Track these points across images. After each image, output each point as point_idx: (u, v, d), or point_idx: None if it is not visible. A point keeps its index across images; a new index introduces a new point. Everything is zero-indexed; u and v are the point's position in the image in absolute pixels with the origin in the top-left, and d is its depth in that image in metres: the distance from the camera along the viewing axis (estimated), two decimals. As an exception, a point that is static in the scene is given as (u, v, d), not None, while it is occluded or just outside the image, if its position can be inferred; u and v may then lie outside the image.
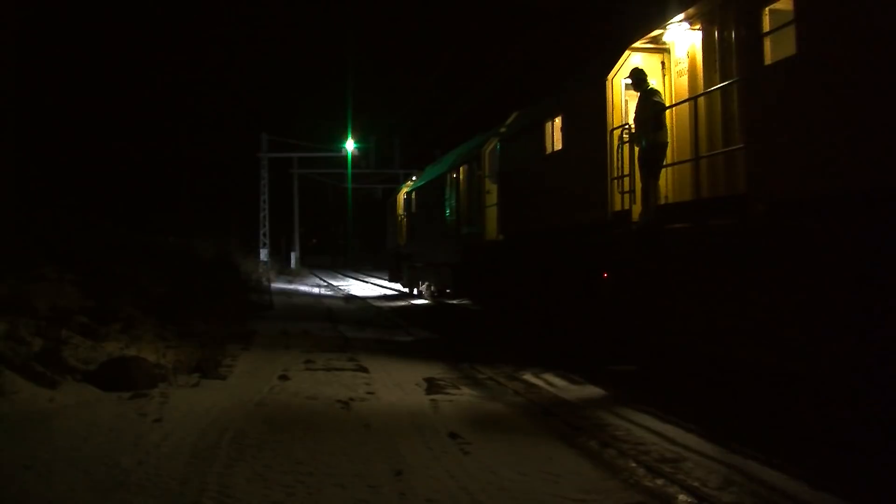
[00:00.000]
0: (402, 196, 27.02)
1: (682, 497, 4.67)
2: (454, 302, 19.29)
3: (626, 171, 8.91)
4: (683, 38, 8.84)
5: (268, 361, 9.77)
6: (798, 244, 6.05)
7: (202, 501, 4.34)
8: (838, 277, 5.54)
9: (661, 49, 9.36)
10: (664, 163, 8.66)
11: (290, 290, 28.03)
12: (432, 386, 8.25)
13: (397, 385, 8.30)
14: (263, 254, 40.18)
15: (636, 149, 8.83)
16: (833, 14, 5.83)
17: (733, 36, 7.65)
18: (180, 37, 28.45)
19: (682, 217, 7.99)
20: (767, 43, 6.62)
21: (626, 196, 8.90)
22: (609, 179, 9.27)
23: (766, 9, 6.64)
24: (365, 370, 9.17)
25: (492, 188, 15.30)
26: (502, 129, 14.75)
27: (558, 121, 11.05)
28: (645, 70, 9.11)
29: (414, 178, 26.67)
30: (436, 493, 4.61)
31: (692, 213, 7.86)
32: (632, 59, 9.39)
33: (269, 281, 28.55)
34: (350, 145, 40.54)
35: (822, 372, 5.77)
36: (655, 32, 9.00)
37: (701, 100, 8.12)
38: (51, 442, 5.37)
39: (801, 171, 6.09)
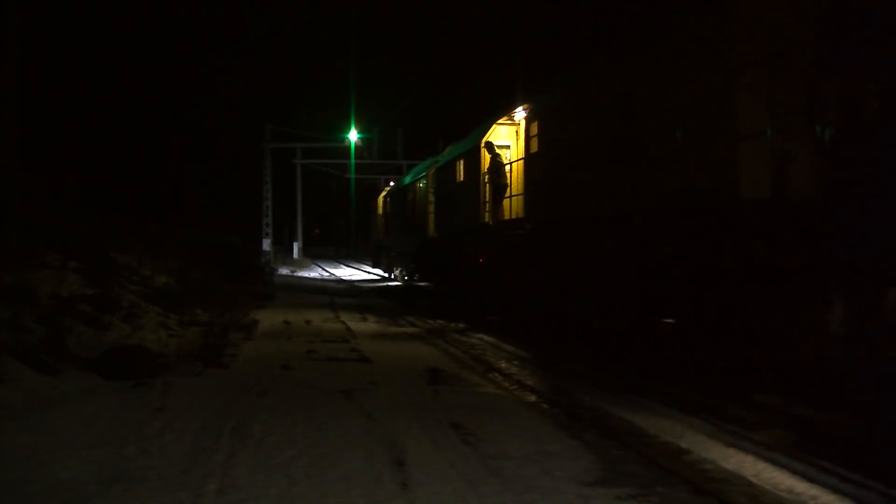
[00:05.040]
0: (381, 198, 34.37)
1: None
2: (422, 284, 24.06)
3: (488, 199, 14.88)
4: (525, 119, 13.72)
5: (270, 351, 9.77)
6: (543, 243, 11.86)
7: (205, 490, 4.33)
8: (567, 257, 10.87)
9: (515, 123, 14.71)
10: (505, 195, 14.18)
11: (292, 278, 30.22)
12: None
13: (400, 372, 8.35)
14: (266, 244, 40.24)
15: (490, 187, 14.57)
16: (547, 134, 11.95)
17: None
18: (184, 28, 28.35)
19: (508, 228, 13.87)
20: (533, 141, 12.58)
21: (488, 213, 14.86)
22: (481, 203, 15.28)
23: (534, 123, 12.50)
24: (367, 360, 9.19)
25: (432, 199, 20.89)
26: (439, 159, 20.57)
27: (462, 162, 17.11)
28: (504, 136, 15.08)
29: (392, 183, 34.43)
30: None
31: (510, 226, 13.77)
32: (500, 129, 15.11)
33: (272, 272, 29.06)
34: (353, 136, 40.48)
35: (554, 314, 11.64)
36: (509, 114, 14.67)
37: (515, 164, 14.08)
38: (53, 430, 5.37)
39: (543, 209, 12.05)
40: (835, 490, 4.53)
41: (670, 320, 8.15)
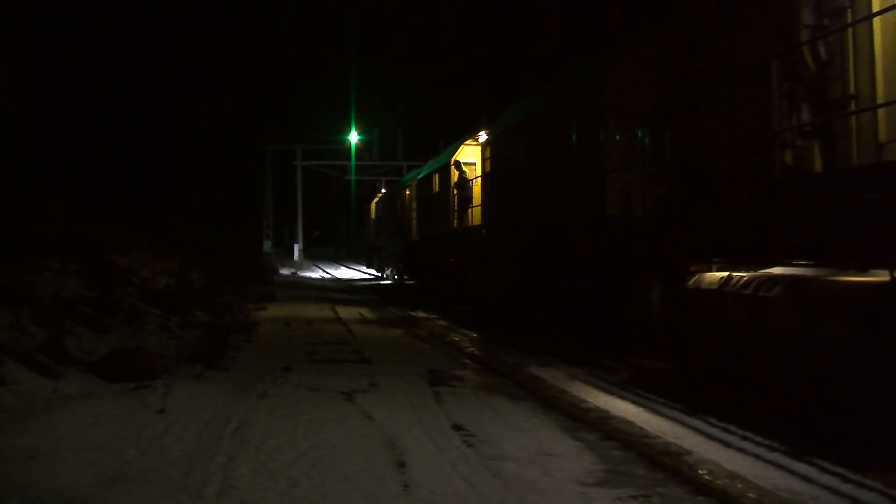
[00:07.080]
0: (374, 203, 37.54)
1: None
2: (411, 282, 26.00)
3: (456, 208, 17.96)
4: (483, 143, 16.19)
5: (271, 352, 9.78)
6: (492, 245, 14.84)
7: (206, 492, 4.34)
8: (510, 257, 13.44)
9: (479, 144, 16.93)
10: (469, 206, 17.13)
11: (293, 279, 30.72)
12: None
13: (399, 374, 8.34)
14: (267, 245, 40.27)
15: (458, 198, 17.72)
16: (496, 158, 14.75)
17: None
18: (186, 32, 28.40)
19: (470, 233, 16.83)
20: (487, 162, 15.34)
21: (456, 220, 17.93)
22: (451, 211, 18.30)
23: (488, 147, 15.37)
24: (368, 362, 9.19)
25: (415, 206, 23.93)
26: (421, 172, 23.85)
27: (437, 175, 20.38)
28: (471, 154, 17.82)
29: (384, 189, 37.56)
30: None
31: (472, 231, 16.67)
32: (468, 149, 18.13)
33: (273, 273, 29.24)
34: (354, 137, 40.49)
35: (516, 300, 13.75)
36: (474, 136, 17.43)
37: (477, 179, 16.63)
38: (54, 432, 5.37)
39: (492, 217, 14.90)
40: (834, 491, 4.54)
41: (573, 300, 10.71)
